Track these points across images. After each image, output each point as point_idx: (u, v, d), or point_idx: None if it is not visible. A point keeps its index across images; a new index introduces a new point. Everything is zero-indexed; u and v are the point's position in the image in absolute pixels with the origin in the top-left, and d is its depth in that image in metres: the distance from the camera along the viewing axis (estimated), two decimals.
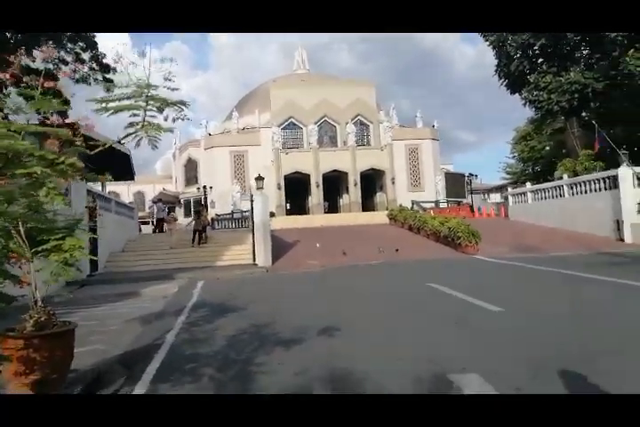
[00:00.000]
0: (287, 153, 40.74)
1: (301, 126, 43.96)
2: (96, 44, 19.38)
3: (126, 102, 2.65)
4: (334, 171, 41.56)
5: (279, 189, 40.51)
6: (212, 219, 30.10)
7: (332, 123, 44.41)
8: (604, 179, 19.26)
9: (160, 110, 2.74)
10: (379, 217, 32.21)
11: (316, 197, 40.98)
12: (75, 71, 19.80)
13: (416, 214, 24.01)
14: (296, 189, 41.78)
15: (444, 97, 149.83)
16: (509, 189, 28.89)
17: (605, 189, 19.13)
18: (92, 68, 20.92)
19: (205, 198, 37.03)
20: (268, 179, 42.24)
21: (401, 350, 5.66)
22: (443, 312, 7.71)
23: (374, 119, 45.08)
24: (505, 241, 18.24)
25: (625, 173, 18.10)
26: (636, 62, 19.11)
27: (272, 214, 38.40)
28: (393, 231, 24.03)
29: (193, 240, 18.83)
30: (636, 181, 18.06)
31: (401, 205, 37.87)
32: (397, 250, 17.41)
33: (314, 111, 43.30)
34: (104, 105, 2.66)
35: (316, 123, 42.62)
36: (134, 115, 2.80)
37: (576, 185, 21.01)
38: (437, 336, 6.25)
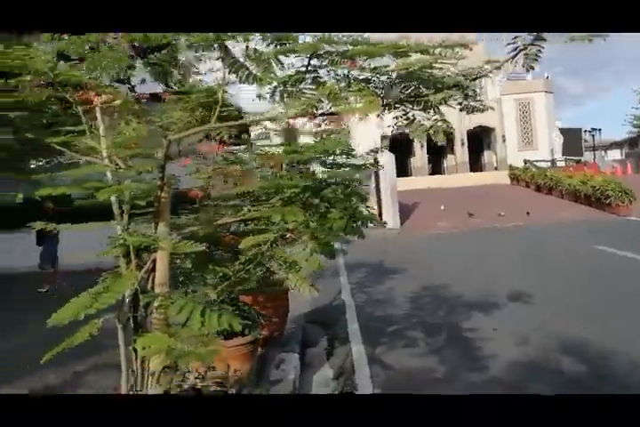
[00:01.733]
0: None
1: None
2: None
3: None
4: None
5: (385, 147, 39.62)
6: None
7: None
8: None
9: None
10: (491, 177, 30.48)
11: (419, 158, 39.56)
12: None
13: (546, 173, 22.17)
14: (397, 150, 40.58)
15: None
16: None
17: None
18: None
19: None
20: (369, 139, 41.38)
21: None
22: None
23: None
24: None
25: None
26: None
27: None
28: (517, 192, 22.53)
29: None
30: None
31: (511, 166, 35.53)
32: (528, 213, 16.06)
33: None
34: None
35: None
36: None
37: None
38: None
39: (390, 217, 15.09)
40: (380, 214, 15.63)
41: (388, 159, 15.22)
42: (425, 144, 39.43)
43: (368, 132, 32.75)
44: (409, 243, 12.87)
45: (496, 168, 39.13)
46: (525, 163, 36.57)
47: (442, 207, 17.57)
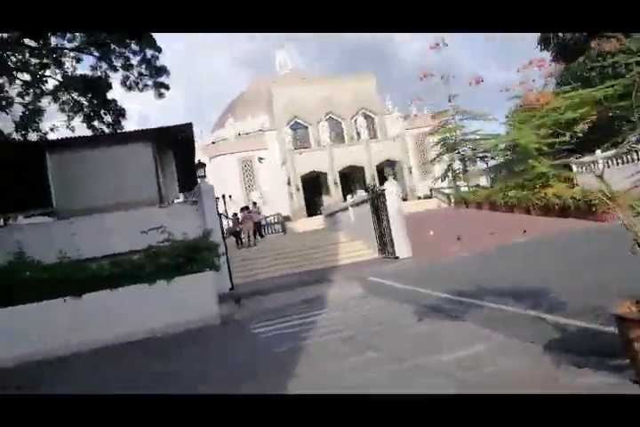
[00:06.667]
0: (301, 153, 39.44)
1: (307, 125, 42.83)
2: (154, 43, 17.45)
3: None
4: (349, 167, 40.56)
5: (297, 190, 39.15)
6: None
7: (337, 119, 43.44)
8: None
9: None
10: (422, 204, 31.73)
11: (335, 195, 39.68)
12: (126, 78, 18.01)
13: (506, 190, 23.10)
14: (311, 190, 40.53)
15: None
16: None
17: None
18: (140, 74, 19.03)
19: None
20: (280, 181, 40.77)
21: None
22: None
23: (378, 111, 44.44)
24: None
25: None
26: None
27: (287, 218, 36.77)
28: (474, 213, 23.16)
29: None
30: None
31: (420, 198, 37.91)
32: (525, 231, 15.93)
33: (317, 109, 42.24)
34: None
35: (320, 121, 41.50)
36: None
37: None
38: None
39: (402, 246, 14.22)
40: (386, 244, 14.72)
41: (392, 188, 14.53)
42: (338, 181, 39.79)
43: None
44: (450, 270, 11.97)
45: (405, 198, 40.91)
46: (431, 191, 38.89)
47: (430, 233, 17.21)
